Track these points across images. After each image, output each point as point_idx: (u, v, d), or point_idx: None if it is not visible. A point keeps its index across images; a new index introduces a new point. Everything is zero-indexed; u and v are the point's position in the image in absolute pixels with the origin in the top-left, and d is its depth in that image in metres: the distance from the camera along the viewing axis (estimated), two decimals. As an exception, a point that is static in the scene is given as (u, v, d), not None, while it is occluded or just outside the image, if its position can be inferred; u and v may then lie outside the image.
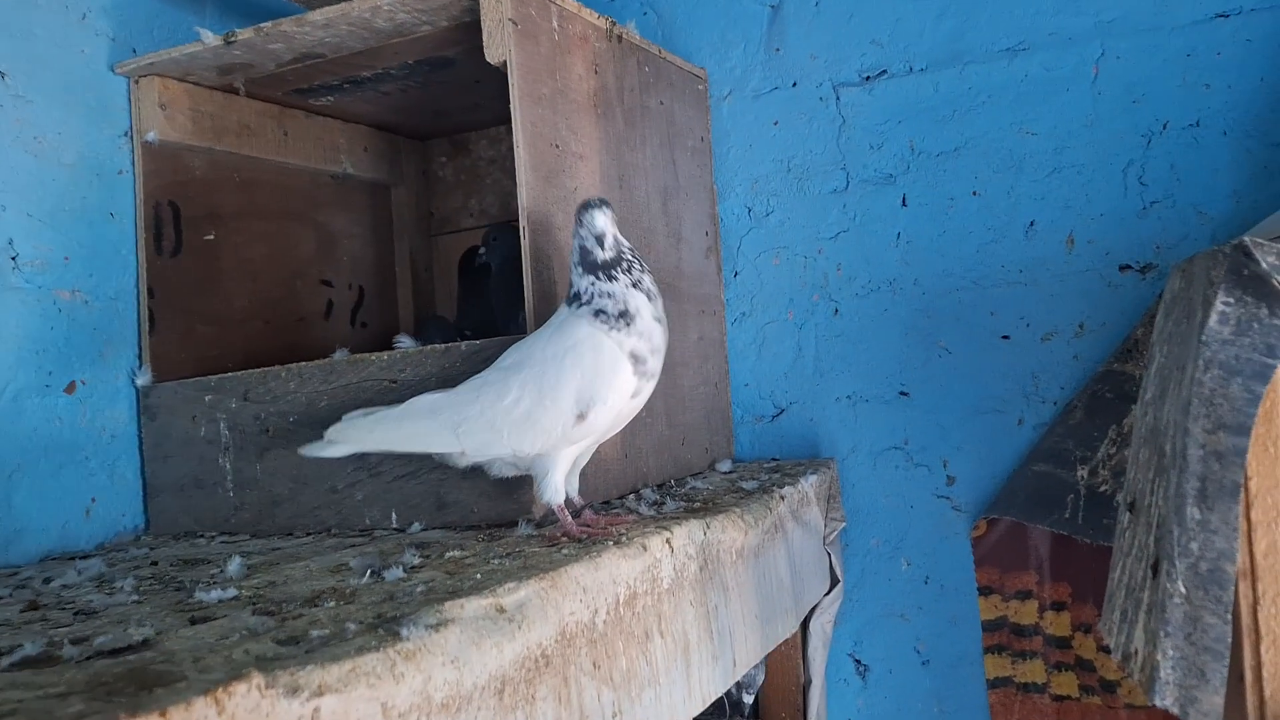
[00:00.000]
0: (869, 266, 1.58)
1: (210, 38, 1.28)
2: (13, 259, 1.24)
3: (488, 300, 1.74)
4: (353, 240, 1.77)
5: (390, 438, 1.10)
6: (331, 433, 1.11)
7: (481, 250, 1.61)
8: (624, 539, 0.99)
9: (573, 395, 1.01)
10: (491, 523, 1.17)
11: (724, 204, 1.69)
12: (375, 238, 1.83)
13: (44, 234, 1.27)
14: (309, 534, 1.26)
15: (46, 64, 1.29)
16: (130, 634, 0.70)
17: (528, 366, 1.03)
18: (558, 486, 1.05)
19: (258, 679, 0.56)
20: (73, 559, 1.23)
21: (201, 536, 1.31)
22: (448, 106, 1.69)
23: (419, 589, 0.81)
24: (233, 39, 1.28)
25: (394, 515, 1.22)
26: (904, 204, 1.55)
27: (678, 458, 1.46)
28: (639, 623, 0.96)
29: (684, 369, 1.52)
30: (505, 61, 1.15)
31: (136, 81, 1.38)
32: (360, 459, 1.21)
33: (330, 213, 1.72)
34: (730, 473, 1.52)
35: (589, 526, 1.05)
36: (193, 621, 0.76)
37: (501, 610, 0.77)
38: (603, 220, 1.05)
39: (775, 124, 1.65)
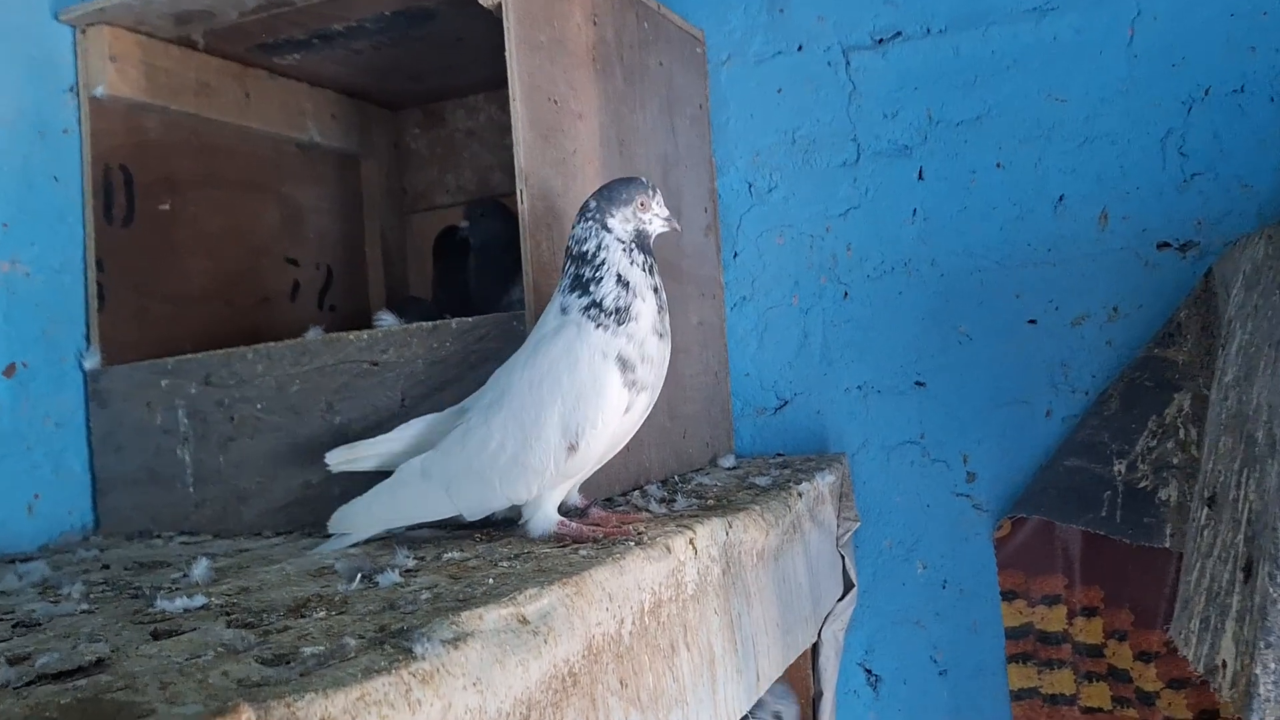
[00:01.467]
0: (882, 246, 1.48)
1: (169, -24, 1.16)
2: (-58, 224, 1.10)
3: (466, 283, 1.63)
4: (320, 216, 1.64)
5: (391, 515, 0.96)
6: (334, 525, 0.97)
7: (464, 225, 1.50)
8: (644, 539, 0.88)
9: (557, 426, 0.87)
10: (487, 520, 1.05)
11: (723, 178, 1.58)
12: (344, 214, 1.70)
13: (-24, 197, 1.14)
14: (279, 534, 1.14)
15: (-21, 6, 1.15)
16: (80, 652, 0.57)
17: (506, 400, 0.89)
18: (549, 516, 0.92)
19: (247, 713, 0.44)
20: (13, 561, 1.10)
21: (158, 536, 1.19)
22: (423, 69, 1.56)
23: (423, 596, 0.69)
24: (193, -22, 1.15)
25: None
26: (920, 177, 1.45)
27: (679, 452, 1.36)
28: (664, 634, 0.85)
29: (685, 356, 1.41)
30: (500, 4, 1.04)
31: (84, 30, 1.25)
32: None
33: (296, 184, 1.59)
34: (735, 468, 1.41)
35: (599, 525, 0.94)
36: (155, 636, 0.64)
37: (524, 621, 0.65)
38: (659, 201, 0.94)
39: (779, 91, 1.54)
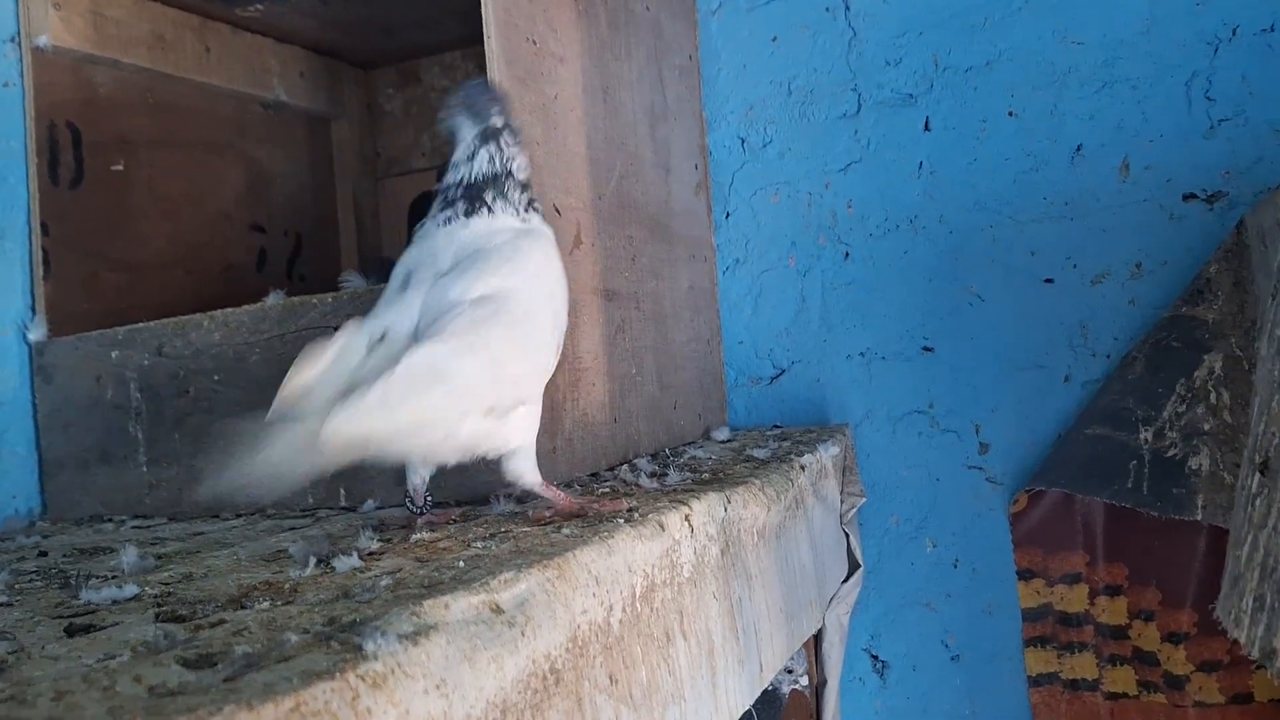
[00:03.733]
0: (885, 202, 1.38)
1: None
2: None
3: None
4: (287, 180, 1.54)
5: (399, 421, 0.70)
6: (329, 431, 0.66)
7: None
8: (636, 516, 0.79)
9: (552, 322, 0.83)
10: (461, 500, 0.97)
11: (714, 134, 1.49)
12: (313, 178, 1.60)
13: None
14: (239, 515, 1.06)
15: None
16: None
17: (519, 287, 0.78)
18: (534, 461, 0.82)
19: (140, 737, 0.35)
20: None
21: (109, 520, 1.10)
22: (397, 23, 1.47)
23: (383, 583, 0.60)
24: (135, -93, 1.05)
25: (342, 492, 1.02)
26: (927, 128, 1.36)
27: (670, 424, 1.27)
28: (658, 621, 0.76)
29: (675, 322, 1.32)
30: (476, -69, 0.94)
31: (23, -27, 1.14)
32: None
33: (261, 146, 1.49)
34: (730, 441, 1.33)
35: (589, 502, 0.85)
36: (70, 632, 0.55)
37: (498, 610, 0.57)
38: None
39: (773, 40, 1.45)
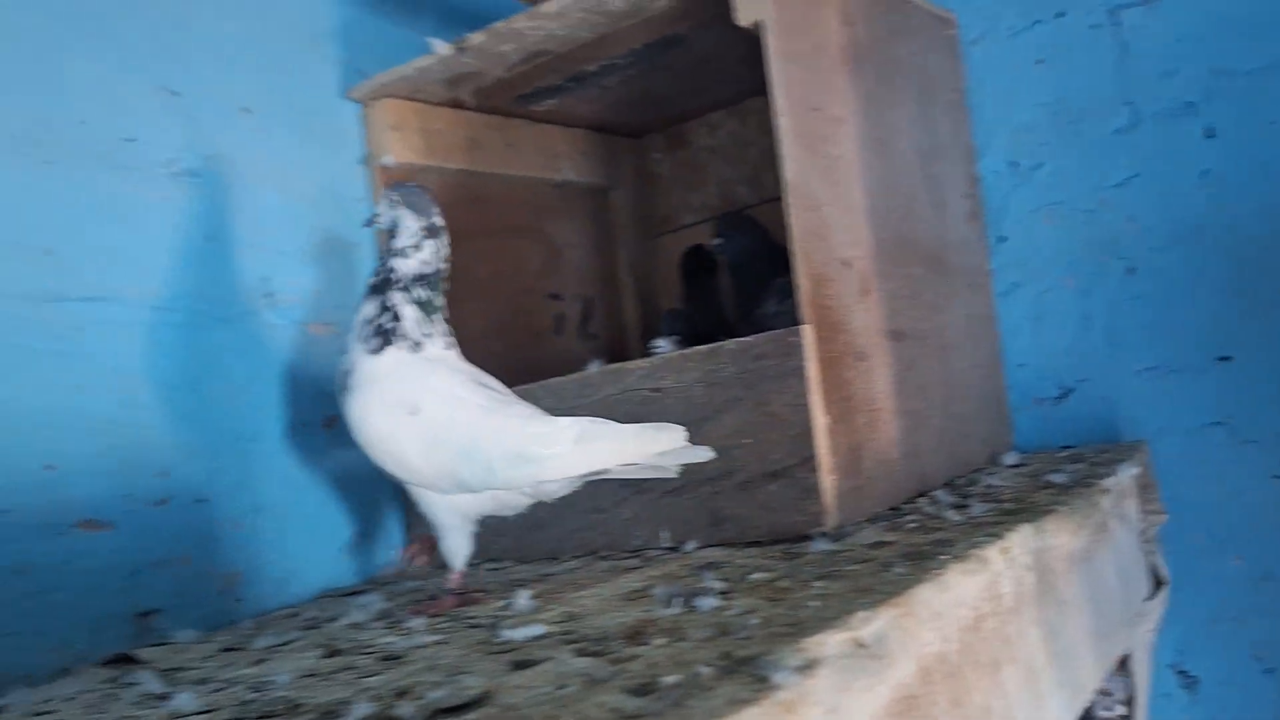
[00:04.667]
0: (1169, 214, 1.36)
1: (442, 46, 1.24)
2: (267, 295, 1.22)
3: (716, 299, 1.64)
4: (576, 250, 1.70)
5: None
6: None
7: (717, 242, 1.51)
8: (959, 553, 0.85)
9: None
10: (775, 537, 1.05)
11: (983, 161, 1.51)
12: (597, 245, 1.75)
13: (294, 268, 1.26)
14: (574, 557, 1.18)
15: (284, 95, 1.27)
16: (464, 687, 0.61)
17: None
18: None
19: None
20: (347, 594, 1.20)
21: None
22: (667, 94, 1.59)
23: (753, 622, 0.70)
24: (464, 45, 1.23)
25: (665, 534, 1.12)
26: (1210, 136, 1.33)
27: (956, 453, 1.31)
28: (986, 649, 0.82)
29: (956, 352, 1.36)
30: (758, 22, 1.04)
31: (368, 105, 1.35)
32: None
33: (553, 223, 1.66)
34: (1020, 466, 1.35)
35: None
36: (515, 666, 0.68)
37: (862, 645, 0.65)
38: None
39: (1039, 63, 1.46)
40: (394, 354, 0.97)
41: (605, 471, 0.93)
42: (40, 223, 1.03)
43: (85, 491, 1.02)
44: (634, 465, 0.93)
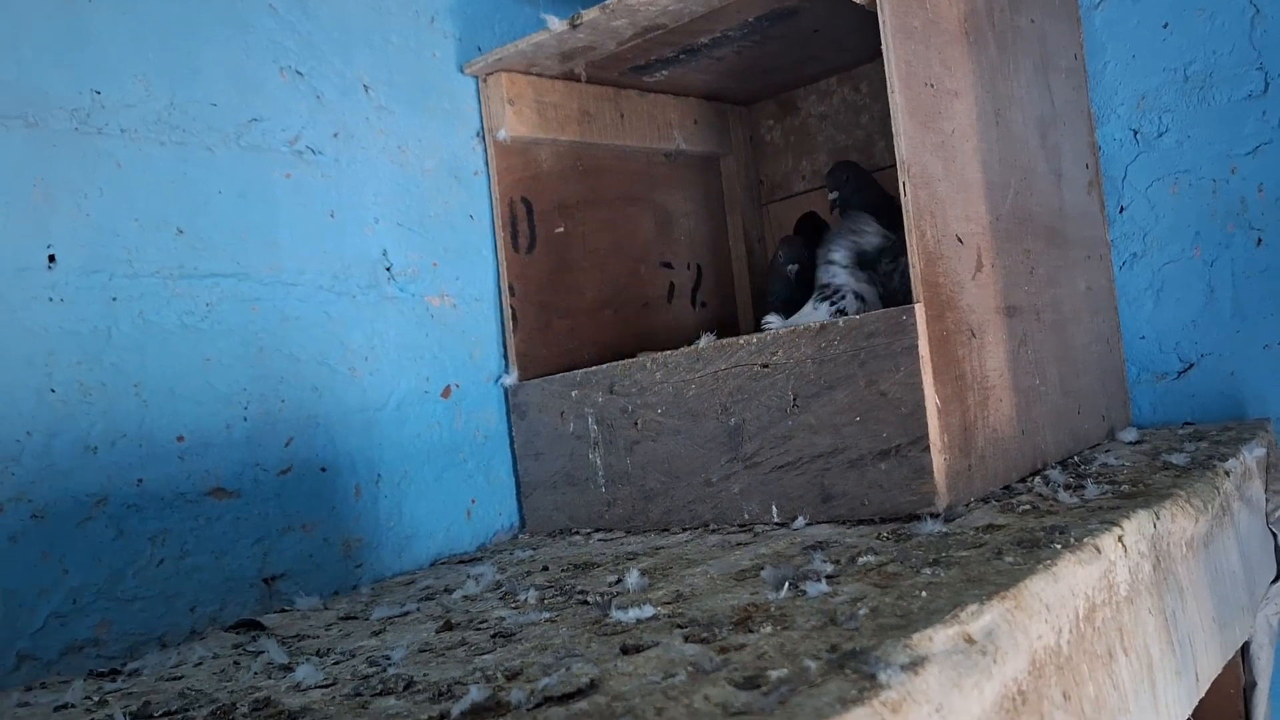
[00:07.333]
0: (1305, 184, 1.30)
1: (556, 23, 1.25)
2: (388, 269, 1.26)
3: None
4: (687, 218, 1.71)
5: None
6: None
7: (833, 195, 1.48)
8: (1072, 541, 0.84)
9: None
10: (885, 516, 1.06)
11: (1103, 129, 1.46)
12: (708, 213, 1.76)
13: (413, 242, 1.29)
14: (685, 529, 1.21)
15: (402, 72, 1.31)
16: (575, 674, 0.65)
17: None
18: None
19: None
20: (460, 562, 1.25)
21: (577, 534, 1.30)
22: (779, 63, 1.58)
23: (860, 611, 0.71)
24: (578, 21, 1.24)
25: (774, 509, 1.14)
26: (1353, 103, 1.26)
27: (1074, 429, 1.28)
28: (1100, 640, 0.81)
29: (1074, 325, 1.33)
30: (875, -1, 1.02)
31: (485, 80, 1.38)
32: (735, 449, 1.13)
33: (665, 192, 1.67)
34: (1139, 443, 1.31)
35: None
36: (624, 651, 0.70)
37: (971, 641, 0.65)
38: None
39: (1164, 26, 1.40)
40: None
41: None
42: (172, 202, 1.08)
43: (214, 461, 1.09)
44: None
